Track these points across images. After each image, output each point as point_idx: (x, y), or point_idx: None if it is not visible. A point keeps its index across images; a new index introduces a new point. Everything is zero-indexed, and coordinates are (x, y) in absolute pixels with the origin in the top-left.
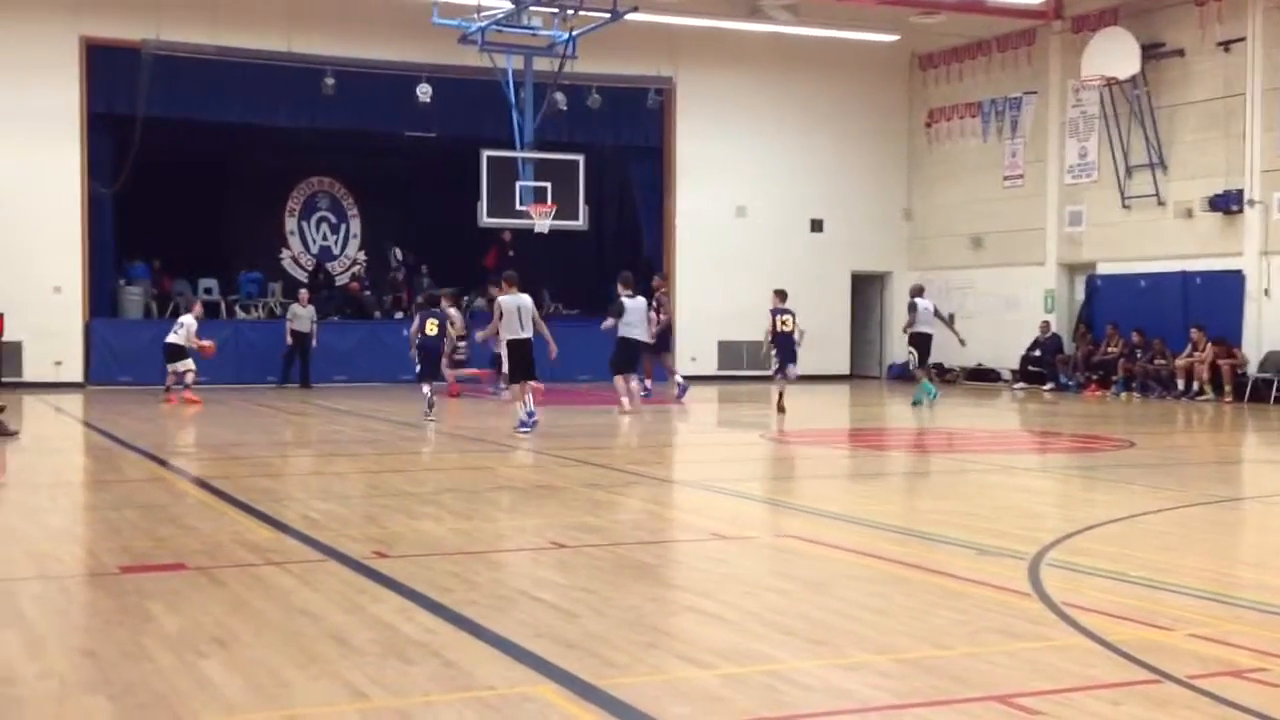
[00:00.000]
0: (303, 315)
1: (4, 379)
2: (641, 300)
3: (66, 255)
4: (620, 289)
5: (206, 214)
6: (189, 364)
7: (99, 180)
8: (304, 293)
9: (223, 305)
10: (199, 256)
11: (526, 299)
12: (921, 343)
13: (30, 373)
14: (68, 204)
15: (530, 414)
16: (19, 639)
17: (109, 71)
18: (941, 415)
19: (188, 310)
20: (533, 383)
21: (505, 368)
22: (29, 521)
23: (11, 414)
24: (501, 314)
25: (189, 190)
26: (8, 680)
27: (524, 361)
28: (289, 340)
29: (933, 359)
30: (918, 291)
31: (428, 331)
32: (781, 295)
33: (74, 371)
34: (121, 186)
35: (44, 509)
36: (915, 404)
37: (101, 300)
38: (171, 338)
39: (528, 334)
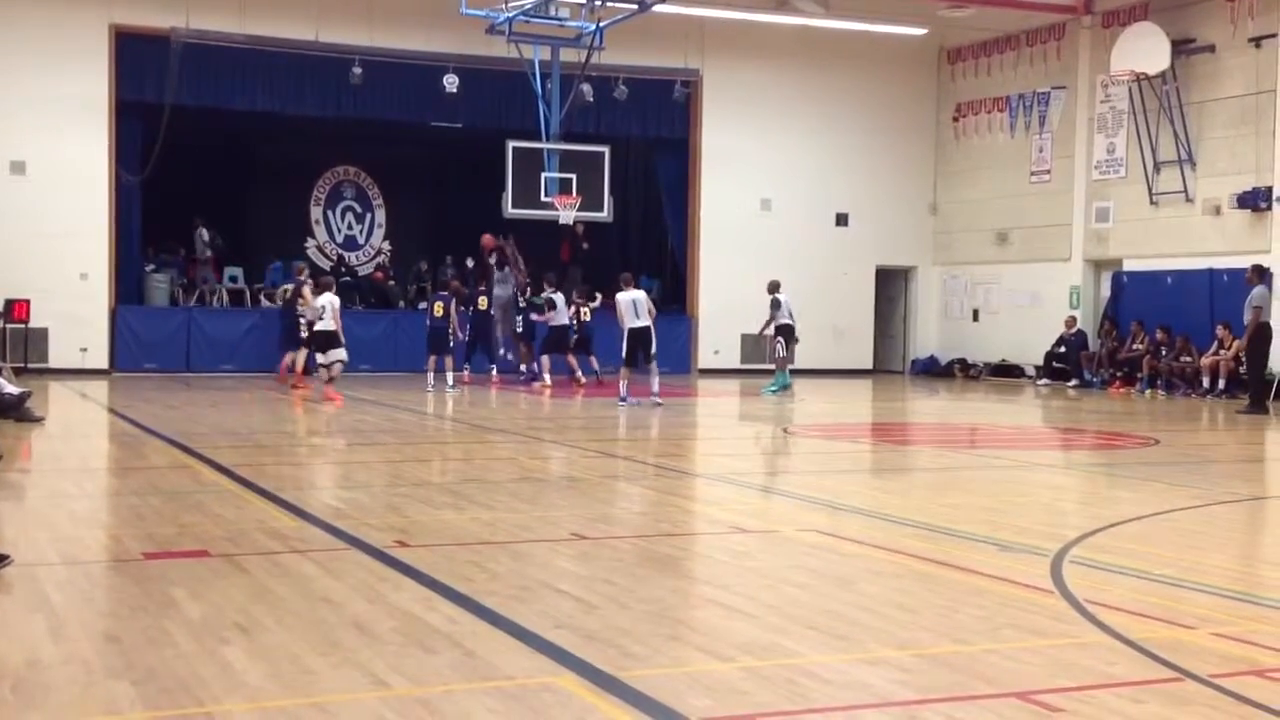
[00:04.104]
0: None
1: (30, 365)
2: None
3: (94, 242)
4: (546, 289)
5: (233, 202)
6: (341, 354)
7: (127, 167)
8: (310, 281)
9: (248, 294)
10: (225, 245)
11: (640, 294)
12: (788, 334)
13: (56, 359)
14: (95, 191)
15: (624, 398)
16: (44, 624)
17: (138, 59)
18: (965, 410)
19: (324, 289)
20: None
21: (624, 352)
22: (54, 507)
23: (37, 400)
24: (620, 309)
25: (216, 178)
26: (33, 664)
27: (640, 347)
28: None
29: (957, 355)
30: (776, 287)
31: (435, 313)
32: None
33: (99, 358)
34: (149, 174)
35: (69, 494)
36: (774, 391)
37: (128, 287)
38: (322, 325)
39: (644, 323)
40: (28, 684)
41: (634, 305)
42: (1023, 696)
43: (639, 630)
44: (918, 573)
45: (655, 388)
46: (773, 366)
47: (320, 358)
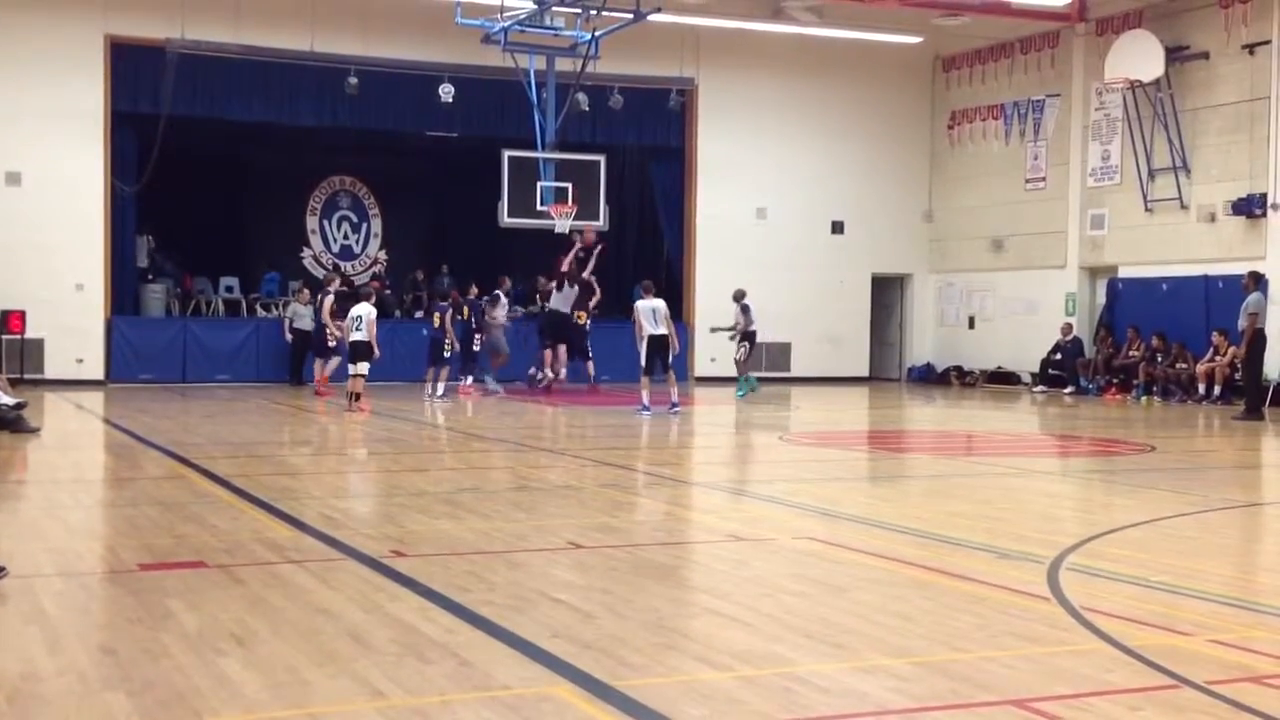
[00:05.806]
0: (304, 313)
1: (26, 376)
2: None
3: (89, 253)
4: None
5: (228, 213)
6: (362, 367)
7: (122, 178)
8: (304, 291)
9: (243, 304)
10: (221, 255)
11: (660, 303)
12: (753, 340)
13: (52, 370)
14: (91, 202)
15: (645, 407)
16: (40, 636)
17: (133, 70)
18: (961, 418)
19: (363, 299)
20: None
21: (643, 360)
22: (50, 518)
23: (33, 411)
24: (638, 316)
25: (211, 189)
26: (29, 677)
27: (658, 355)
28: (288, 337)
29: (953, 362)
30: (742, 295)
31: (434, 323)
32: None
33: (95, 369)
34: (144, 185)
35: (65, 506)
36: (741, 395)
37: (123, 298)
38: (357, 335)
39: (661, 331)
40: (23, 696)
41: (653, 313)
42: (1019, 704)
43: (636, 639)
44: (914, 580)
45: (674, 396)
46: (751, 371)
47: (350, 368)
